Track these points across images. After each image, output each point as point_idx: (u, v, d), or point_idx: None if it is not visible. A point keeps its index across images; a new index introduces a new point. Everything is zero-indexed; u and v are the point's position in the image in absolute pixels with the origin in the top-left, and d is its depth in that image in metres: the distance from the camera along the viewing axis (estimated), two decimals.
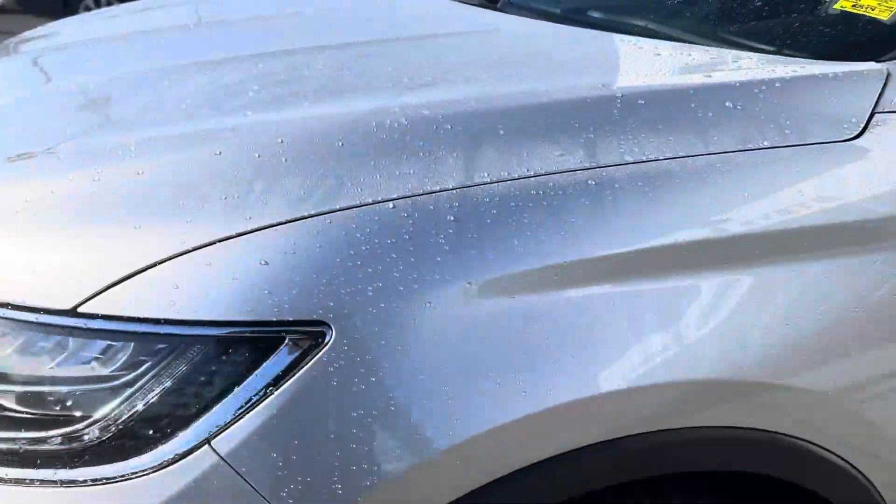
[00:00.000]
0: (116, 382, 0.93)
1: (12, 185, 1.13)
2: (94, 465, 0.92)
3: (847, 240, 1.14)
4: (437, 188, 1.01)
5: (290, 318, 0.91)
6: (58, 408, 0.94)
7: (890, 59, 1.23)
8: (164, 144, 1.17)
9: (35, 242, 1.02)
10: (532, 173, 1.04)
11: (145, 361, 0.93)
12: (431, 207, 0.99)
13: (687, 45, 1.47)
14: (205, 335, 0.92)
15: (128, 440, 0.92)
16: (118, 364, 0.93)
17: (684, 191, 1.07)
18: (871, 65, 1.23)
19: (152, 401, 0.92)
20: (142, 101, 1.39)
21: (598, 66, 1.43)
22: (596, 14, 1.85)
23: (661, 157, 1.08)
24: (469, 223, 0.99)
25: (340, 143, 1.08)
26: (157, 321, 0.92)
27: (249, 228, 0.96)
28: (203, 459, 0.90)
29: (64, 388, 0.94)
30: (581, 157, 1.06)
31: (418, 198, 0.99)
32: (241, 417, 0.90)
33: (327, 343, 0.91)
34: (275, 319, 0.91)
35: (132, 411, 0.92)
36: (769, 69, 1.26)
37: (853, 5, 1.38)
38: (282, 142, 1.09)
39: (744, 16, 1.66)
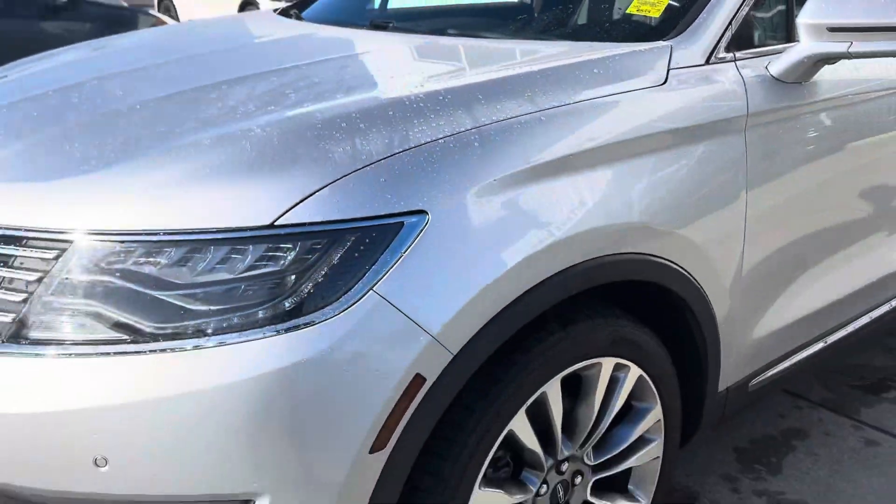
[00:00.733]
0: (302, 267, 1.51)
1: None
2: (298, 317, 1.49)
3: (666, 142, 1.96)
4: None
5: (405, 210, 1.54)
6: (269, 288, 1.49)
7: (670, 38, 2.10)
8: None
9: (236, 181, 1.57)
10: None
11: (322, 249, 1.51)
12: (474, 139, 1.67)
13: (542, 41, 2.26)
14: (355, 227, 1.52)
15: (318, 299, 1.50)
16: (304, 254, 1.51)
17: (579, 119, 1.83)
18: (661, 42, 2.09)
19: (328, 272, 1.50)
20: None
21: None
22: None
23: (549, 107, 1.83)
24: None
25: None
26: (329, 222, 1.51)
27: (364, 164, 1.57)
28: (370, 299, 1.50)
29: (276, 273, 1.50)
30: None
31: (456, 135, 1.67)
32: (389, 271, 1.52)
33: (428, 222, 1.56)
34: (396, 212, 1.54)
35: (317, 281, 1.50)
36: (606, 50, 2.07)
37: (637, 9, 2.23)
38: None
39: (563, 20, 2.50)
